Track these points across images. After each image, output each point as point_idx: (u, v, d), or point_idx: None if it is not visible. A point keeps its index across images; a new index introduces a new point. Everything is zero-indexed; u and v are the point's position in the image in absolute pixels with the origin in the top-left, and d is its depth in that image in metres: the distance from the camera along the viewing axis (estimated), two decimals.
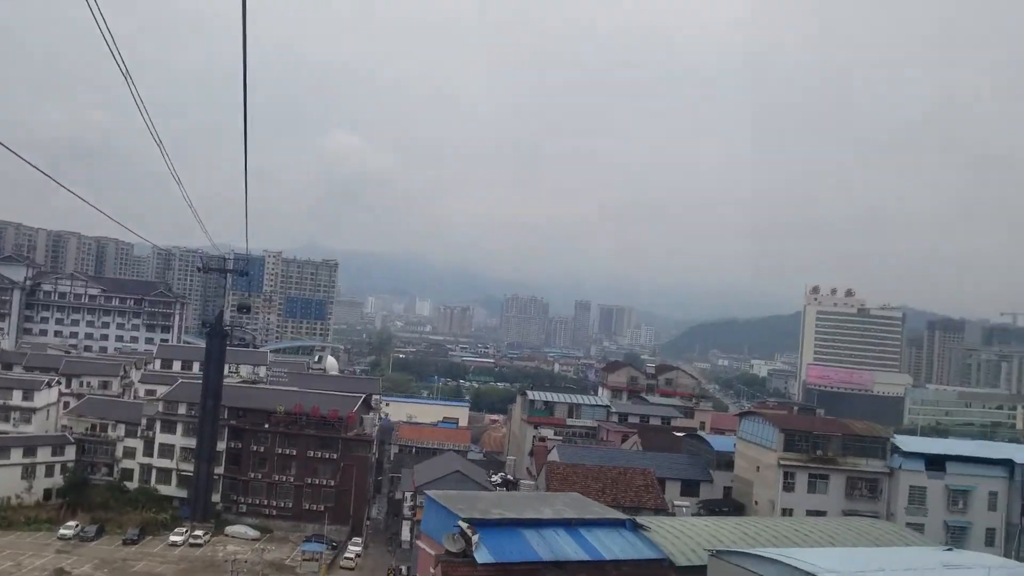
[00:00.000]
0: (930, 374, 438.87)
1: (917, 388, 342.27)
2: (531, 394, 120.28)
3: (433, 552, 42.34)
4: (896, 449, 70.64)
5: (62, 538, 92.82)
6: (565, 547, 41.38)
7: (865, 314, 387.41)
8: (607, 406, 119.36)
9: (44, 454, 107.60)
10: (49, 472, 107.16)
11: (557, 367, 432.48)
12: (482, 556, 39.49)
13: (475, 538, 40.38)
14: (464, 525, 41.16)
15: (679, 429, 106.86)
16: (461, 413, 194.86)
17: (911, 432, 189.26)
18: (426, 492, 51.40)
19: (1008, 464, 69.48)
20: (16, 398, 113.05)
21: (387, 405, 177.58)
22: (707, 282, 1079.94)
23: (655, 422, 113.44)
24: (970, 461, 70.19)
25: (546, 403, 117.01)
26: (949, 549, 40.20)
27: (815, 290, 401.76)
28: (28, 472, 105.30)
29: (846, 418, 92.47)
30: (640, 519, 48.01)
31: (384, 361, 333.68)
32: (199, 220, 58.74)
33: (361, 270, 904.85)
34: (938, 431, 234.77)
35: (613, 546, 42.27)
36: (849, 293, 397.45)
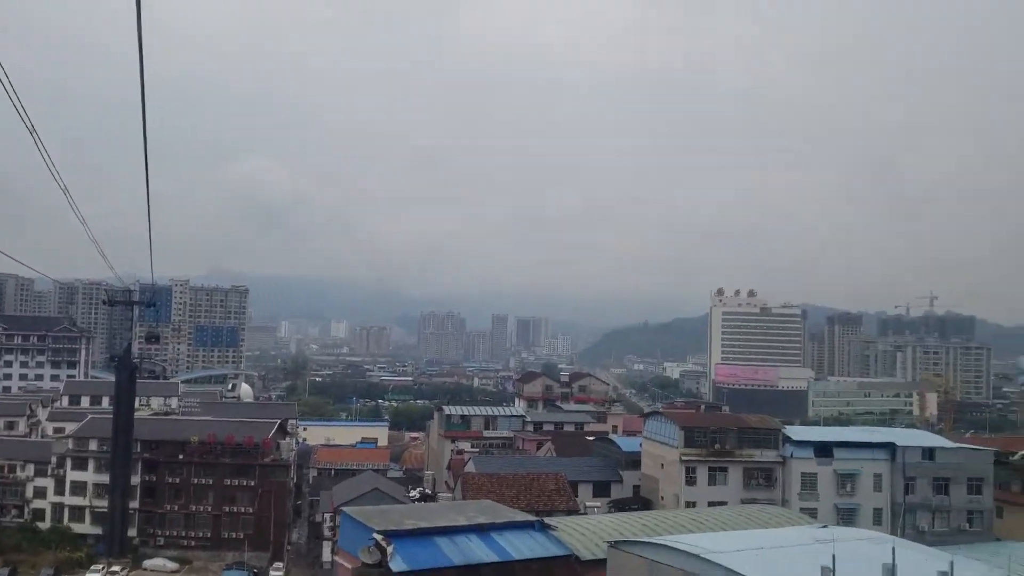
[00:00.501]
0: (832, 367, 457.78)
1: (819, 381, 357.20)
2: (447, 409, 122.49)
3: (350, 566, 44.23)
4: (788, 439, 75.53)
5: None
6: (476, 551, 43.92)
7: (767, 313, 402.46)
8: (522, 416, 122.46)
9: None
10: None
11: (476, 381, 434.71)
12: (397, 565, 41.69)
13: (390, 549, 42.55)
14: (379, 537, 43.27)
15: (592, 434, 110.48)
16: (380, 433, 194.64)
17: (815, 424, 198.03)
18: (342, 509, 53.23)
19: (890, 447, 75.04)
20: None
21: (304, 430, 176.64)
22: (622, 290, 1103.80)
23: (569, 428, 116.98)
24: (855, 446, 75.59)
25: (462, 417, 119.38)
26: (824, 527, 44.16)
27: (720, 292, 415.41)
28: None
29: (754, 413, 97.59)
30: (551, 520, 50.89)
31: (300, 385, 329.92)
32: (100, 251, 58.88)
33: (273, 295, 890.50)
34: (840, 421, 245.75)
35: (522, 546, 45.00)
36: (751, 294, 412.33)
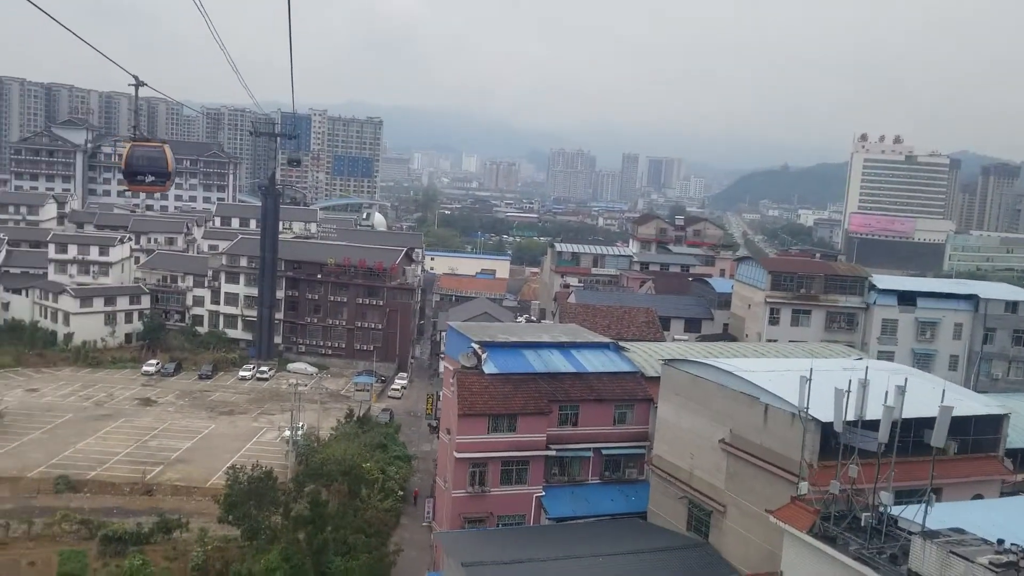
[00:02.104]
0: (982, 220, 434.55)
1: (959, 235, 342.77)
2: (559, 246, 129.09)
3: (452, 368, 52.15)
4: (873, 287, 78.34)
5: (145, 374, 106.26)
6: (556, 362, 50.99)
7: (912, 161, 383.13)
8: (629, 256, 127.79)
9: (123, 303, 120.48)
10: (128, 319, 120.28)
11: (601, 221, 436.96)
12: (489, 368, 49.25)
13: (484, 355, 50.05)
14: (476, 345, 50.79)
15: (698, 276, 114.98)
16: (502, 266, 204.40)
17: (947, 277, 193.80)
18: (449, 324, 61.19)
19: (974, 299, 76.83)
20: (93, 253, 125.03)
21: (431, 259, 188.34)
22: (759, 132, 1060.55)
23: (675, 270, 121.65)
24: (939, 296, 77.75)
25: (572, 254, 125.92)
26: (860, 358, 48.40)
27: (863, 138, 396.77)
28: (110, 319, 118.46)
29: (884, 266, 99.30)
30: (633, 345, 57.26)
31: (430, 217, 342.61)
32: (241, 80, 65.57)
33: (405, 126, 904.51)
34: (974, 276, 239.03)
35: (596, 361, 51.75)
36: (897, 140, 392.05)
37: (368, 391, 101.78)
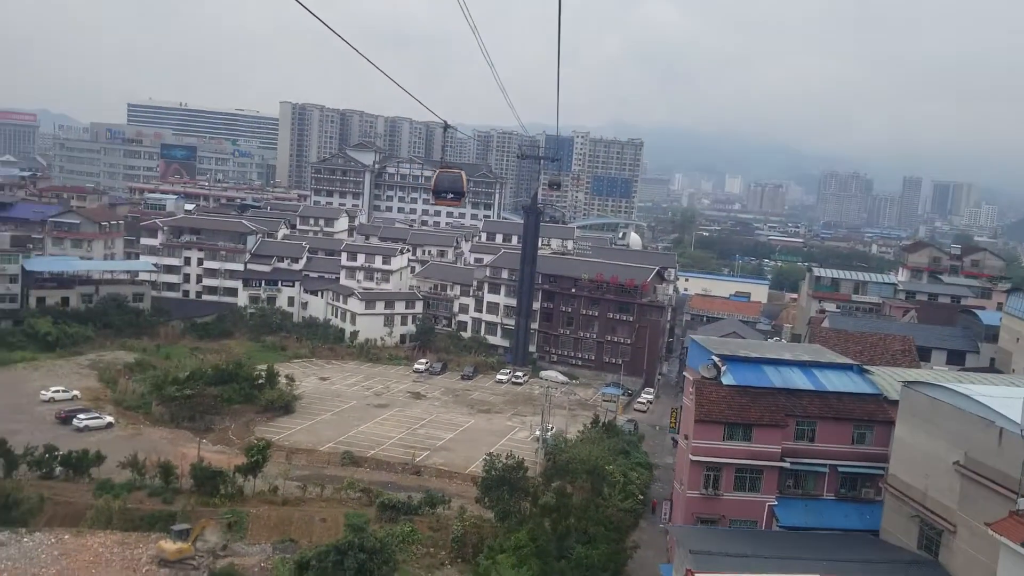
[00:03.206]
0: None
1: None
2: (817, 271, 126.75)
3: (692, 378, 55.14)
4: None
5: (416, 371, 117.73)
6: (795, 379, 52.54)
7: None
8: (893, 284, 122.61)
9: (400, 307, 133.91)
10: (403, 321, 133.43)
11: (875, 248, 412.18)
12: (727, 380, 51.82)
13: (724, 367, 52.65)
14: (716, 358, 53.50)
15: (966, 308, 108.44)
16: (759, 290, 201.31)
17: None
18: (692, 337, 64.08)
19: None
20: (377, 262, 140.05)
21: (686, 280, 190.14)
22: None
23: (944, 300, 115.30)
24: None
25: (832, 280, 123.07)
26: None
27: None
28: (388, 320, 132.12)
29: None
30: (879, 370, 57.15)
31: (687, 239, 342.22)
32: (510, 104, 72.14)
33: (668, 147, 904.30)
34: None
35: (837, 381, 52.63)
36: None
37: (615, 402, 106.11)
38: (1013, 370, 76.18)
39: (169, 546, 56.58)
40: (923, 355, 79.77)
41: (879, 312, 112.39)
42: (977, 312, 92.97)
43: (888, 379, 53.49)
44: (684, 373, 65.39)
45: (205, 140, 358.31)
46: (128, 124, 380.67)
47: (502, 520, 62.16)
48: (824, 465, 50.52)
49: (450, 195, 37.15)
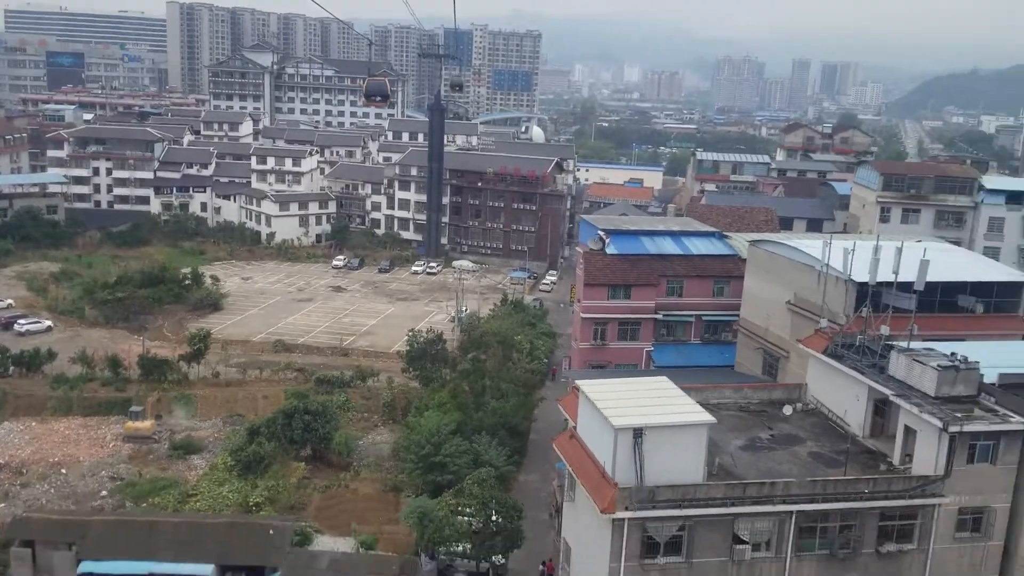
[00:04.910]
0: None
1: None
2: (699, 154, 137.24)
3: (582, 251, 64.34)
4: (982, 187, 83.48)
5: (335, 267, 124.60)
6: (667, 246, 62.36)
7: None
8: (767, 163, 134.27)
9: (313, 207, 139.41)
10: (318, 221, 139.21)
11: (764, 131, 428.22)
12: (610, 250, 61.16)
13: (607, 240, 61.91)
14: (601, 232, 62.66)
15: (825, 181, 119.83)
16: (654, 177, 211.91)
17: None
18: (582, 216, 73.21)
19: None
20: (288, 165, 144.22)
21: (586, 170, 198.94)
22: (952, 31, 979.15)
23: (812, 176, 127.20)
24: None
25: (713, 162, 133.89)
26: (919, 240, 56.07)
27: None
28: (303, 221, 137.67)
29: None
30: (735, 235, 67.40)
31: (588, 130, 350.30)
32: (408, 5, 77.21)
33: (567, 35, 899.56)
34: None
35: (701, 246, 62.79)
36: None
37: (522, 285, 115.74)
38: (860, 232, 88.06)
39: (138, 425, 63.84)
40: (786, 225, 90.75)
41: (753, 189, 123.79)
42: (835, 184, 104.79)
43: (742, 242, 63.69)
44: (576, 248, 74.71)
45: (91, 46, 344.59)
46: (7, 31, 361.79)
47: (426, 385, 71.30)
48: (691, 315, 60.99)
49: (378, 98, 45.42)
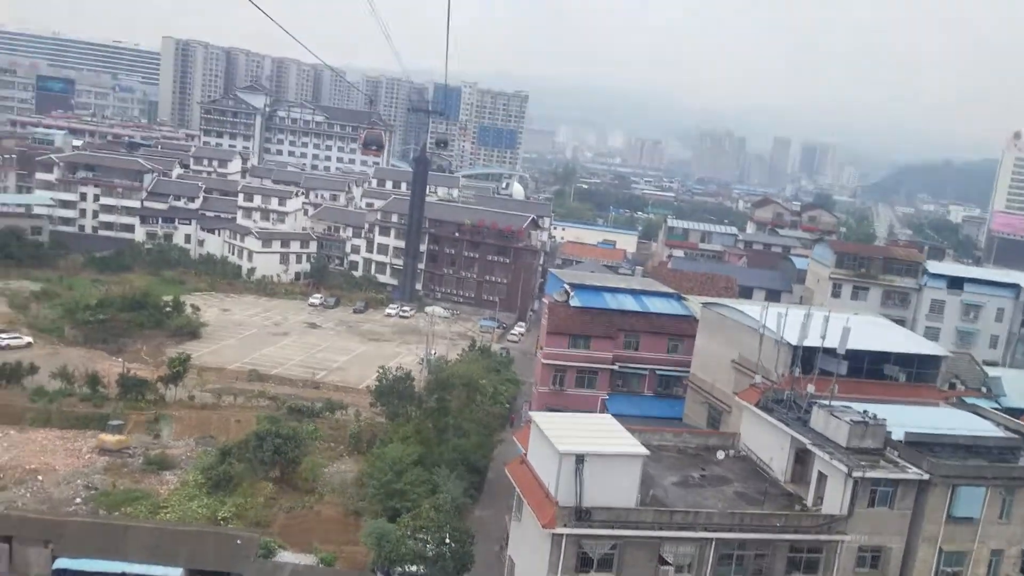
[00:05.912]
0: None
1: None
2: (670, 221, 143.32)
3: (548, 302, 68.81)
4: (926, 271, 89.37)
5: (311, 305, 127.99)
6: (627, 303, 66.92)
7: None
8: (735, 234, 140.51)
9: (295, 246, 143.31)
10: (299, 260, 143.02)
11: (740, 204, 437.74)
12: (574, 302, 65.69)
13: (572, 293, 66.44)
14: (567, 285, 67.24)
15: (786, 256, 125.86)
16: (628, 240, 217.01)
17: None
18: (551, 270, 77.84)
19: (1016, 288, 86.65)
20: (274, 204, 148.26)
21: (562, 229, 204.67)
22: (929, 122, 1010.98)
23: (776, 250, 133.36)
24: (984, 283, 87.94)
25: (684, 230, 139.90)
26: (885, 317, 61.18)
27: (1017, 135, 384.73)
28: (284, 258, 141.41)
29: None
30: (693, 298, 72.21)
31: (568, 190, 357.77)
32: (396, 54, 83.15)
33: (553, 99, 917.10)
34: None
35: (660, 306, 67.45)
36: None
37: (490, 333, 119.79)
38: (812, 304, 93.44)
39: (109, 438, 66.69)
40: (746, 293, 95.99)
41: (720, 258, 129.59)
42: (795, 259, 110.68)
43: (699, 305, 68.54)
44: (543, 300, 79.16)
45: (83, 73, 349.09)
46: None
47: (392, 420, 74.73)
48: (645, 369, 65.37)
49: (375, 147, 51.52)
